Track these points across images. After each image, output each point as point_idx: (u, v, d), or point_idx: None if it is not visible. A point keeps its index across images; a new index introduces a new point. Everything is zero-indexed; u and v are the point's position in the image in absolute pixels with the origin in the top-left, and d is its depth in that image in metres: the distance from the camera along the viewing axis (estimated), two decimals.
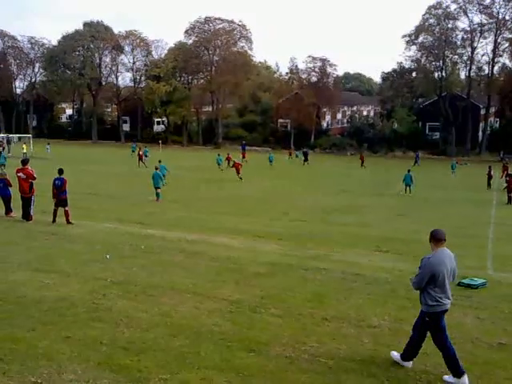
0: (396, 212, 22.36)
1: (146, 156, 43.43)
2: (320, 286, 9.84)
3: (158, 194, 22.50)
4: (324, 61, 73.25)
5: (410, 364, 6.41)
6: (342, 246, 14.19)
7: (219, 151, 50.55)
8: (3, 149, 43.70)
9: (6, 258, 10.97)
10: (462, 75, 71.02)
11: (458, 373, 5.98)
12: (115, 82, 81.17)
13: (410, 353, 6.40)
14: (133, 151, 48.96)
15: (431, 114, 68.62)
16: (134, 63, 78.73)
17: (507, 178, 27.97)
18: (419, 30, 65.86)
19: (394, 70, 72.86)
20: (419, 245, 14.96)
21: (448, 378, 6.06)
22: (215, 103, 75.36)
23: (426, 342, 6.54)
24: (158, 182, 22.64)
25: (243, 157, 47.35)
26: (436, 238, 6.32)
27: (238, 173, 33.67)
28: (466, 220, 20.66)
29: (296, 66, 76.08)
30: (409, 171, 29.52)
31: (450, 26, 65.15)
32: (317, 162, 54.32)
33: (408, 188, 29.14)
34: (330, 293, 9.37)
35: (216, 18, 73.68)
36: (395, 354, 6.52)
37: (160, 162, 27.27)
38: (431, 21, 65.35)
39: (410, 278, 6.60)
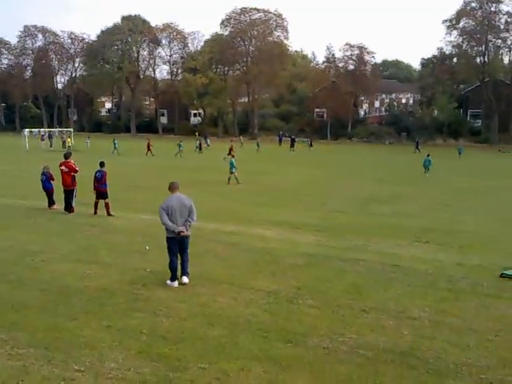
0: (437, 201, 21.87)
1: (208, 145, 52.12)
2: (358, 277, 9.73)
3: (235, 177, 25.98)
4: (361, 48, 72.08)
5: (175, 284, 8.72)
6: (381, 236, 13.97)
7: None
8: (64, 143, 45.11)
9: (48, 249, 11.31)
10: (506, 60, 68.74)
11: (172, 278, 8.78)
12: (153, 75, 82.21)
13: (173, 273, 8.78)
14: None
15: (473, 101, 66.81)
16: (170, 56, 79.49)
17: None
18: (460, 14, 63.90)
19: (434, 56, 71.00)
20: (462, 235, 14.65)
21: (168, 282, 8.78)
22: (251, 94, 75.31)
23: (467, 335, 6.40)
24: (232, 168, 26.01)
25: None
26: (169, 188, 8.93)
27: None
28: (510, 209, 20.03)
29: (333, 54, 75.13)
30: (428, 155, 32.53)
31: (492, 9, 62.93)
32: (353, 151, 53.71)
33: (427, 170, 32.07)
34: (369, 284, 9.26)
35: (252, 8, 73.49)
36: (168, 282, 8.77)
37: None
38: (473, 4, 63.31)
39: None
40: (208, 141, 55.66)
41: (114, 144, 45.03)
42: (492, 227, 16.19)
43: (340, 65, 74.89)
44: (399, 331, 7.07)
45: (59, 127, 67.62)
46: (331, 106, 69.50)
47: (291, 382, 5.62)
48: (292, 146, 52.53)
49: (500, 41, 64.83)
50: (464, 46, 66.17)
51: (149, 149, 43.69)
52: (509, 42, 64.50)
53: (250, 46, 74.58)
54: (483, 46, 64.34)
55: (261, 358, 6.14)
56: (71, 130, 58.52)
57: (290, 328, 7.08)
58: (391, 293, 8.77)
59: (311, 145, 55.66)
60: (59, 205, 16.39)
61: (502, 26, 63.75)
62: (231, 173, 25.89)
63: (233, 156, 27.99)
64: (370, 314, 7.69)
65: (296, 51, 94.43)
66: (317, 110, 75.50)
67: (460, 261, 11.24)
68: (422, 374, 5.86)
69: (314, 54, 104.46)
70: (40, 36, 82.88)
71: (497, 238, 14.41)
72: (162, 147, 48.38)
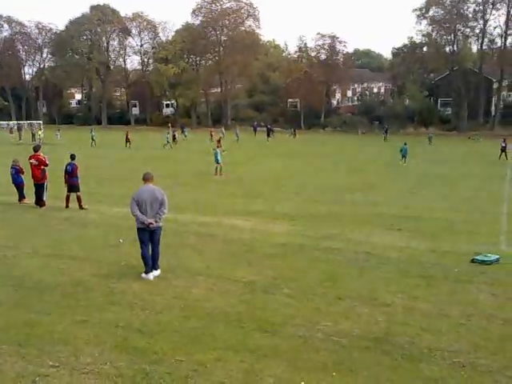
0: (408, 189, 22.22)
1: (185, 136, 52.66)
2: (332, 265, 9.84)
3: (216, 168, 25.81)
4: (333, 38, 72.36)
5: (151, 276, 8.66)
6: (355, 225, 14.15)
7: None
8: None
9: (20, 244, 11.10)
10: (474, 49, 69.99)
11: (147, 271, 8.70)
12: (123, 65, 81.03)
13: (146, 265, 8.72)
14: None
15: (443, 90, 67.82)
16: (141, 46, 78.50)
17: None
18: (430, 3, 64.66)
19: (405, 45, 71.79)
20: (434, 222, 14.91)
21: (143, 275, 8.70)
22: (224, 84, 74.91)
23: (439, 320, 6.55)
24: (216, 158, 25.93)
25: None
26: (142, 178, 8.84)
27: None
28: (479, 195, 20.49)
29: (305, 43, 75.48)
30: (405, 144, 33.18)
31: None
32: (327, 140, 54.04)
33: (404, 159, 32.62)
34: (343, 272, 9.37)
35: None
36: (143, 275, 8.70)
37: None
38: None
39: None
40: (186, 132, 55.23)
41: (92, 135, 44.16)
42: (463, 214, 16.54)
43: (312, 54, 75.07)
44: (373, 318, 7.18)
45: (28, 120, 66.06)
46: (304, 95, 69.68)
47: (268, 371, 5.66)
48: (268, 135, 52.54)
49: (468, 30, 65.87)
50: (433, 34, 67.05)
51: (127, 141, 43.08)
52: (477, 31, 65.60)
53: (221, 35, 74.05)
54: (452, 35, 65.29)
55: (237, 349, 6.17)
56: (41, 122, 57.32)
57: (266, 318, 7.12)
58: (365, 280, 8.89)
59: (295, 134, 56.20)
60: (30, 199, 16.07)
61: (470, 15, 64.78)
62: (218, 163, 25.83)
63: (218, 147, 27.81)
64: (345, 302, 7.79)
65: (268, 41, 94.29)
66: (290, 99, 75.58)
67: (432, 247, 11.45)
68: (396, 360, 5.97)
69: (286, 44, 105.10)
70: (6, 26, 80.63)
71: (468, 225, 14.74)
72: (136, 139, 47.80)
